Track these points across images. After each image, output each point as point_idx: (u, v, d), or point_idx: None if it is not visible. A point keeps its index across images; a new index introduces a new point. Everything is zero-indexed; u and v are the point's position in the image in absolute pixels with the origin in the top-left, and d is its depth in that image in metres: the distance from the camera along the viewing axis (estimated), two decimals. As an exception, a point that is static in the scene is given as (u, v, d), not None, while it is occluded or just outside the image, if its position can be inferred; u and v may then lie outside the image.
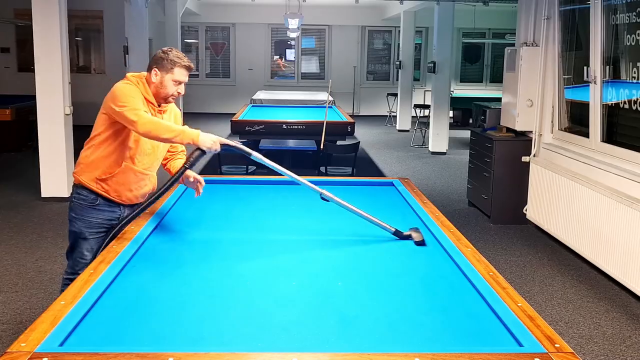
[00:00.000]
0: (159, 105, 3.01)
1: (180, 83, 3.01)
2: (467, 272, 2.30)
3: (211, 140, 2.77)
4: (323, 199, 2.90)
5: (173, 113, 3.19)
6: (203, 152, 2.77)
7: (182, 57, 3.01)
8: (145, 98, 2.94)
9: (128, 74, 3.02)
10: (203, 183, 3.11)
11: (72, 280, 2.59)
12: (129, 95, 2.86)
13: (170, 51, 3.00)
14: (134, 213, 2.83)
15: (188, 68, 3.02)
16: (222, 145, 2.81)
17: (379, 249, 2.69)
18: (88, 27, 13.43)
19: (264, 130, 7.20)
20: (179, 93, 3.04)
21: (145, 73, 3.04)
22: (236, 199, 3.53)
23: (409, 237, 2.78)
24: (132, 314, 1.96)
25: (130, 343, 1.73)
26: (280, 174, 2.90)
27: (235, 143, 2.90)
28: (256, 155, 2.89)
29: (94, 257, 3.00)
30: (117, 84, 2.95)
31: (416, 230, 2.82)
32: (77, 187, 3.06)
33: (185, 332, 1.83)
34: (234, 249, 2.65)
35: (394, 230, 2.81)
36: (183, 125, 3.05)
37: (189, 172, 3.03)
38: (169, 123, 2.91)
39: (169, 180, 2.86)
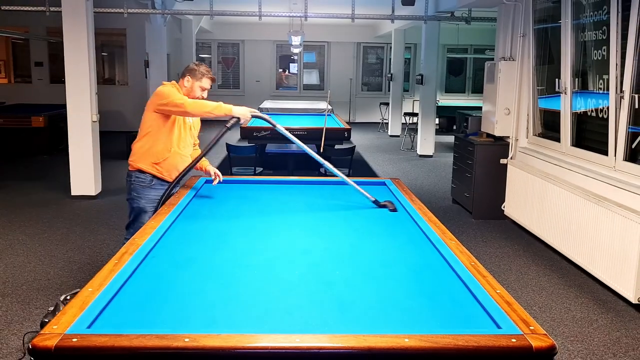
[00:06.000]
0: None
1: (205, 90, 3.51)
2: (452, 262, 2.30)
3: (244, 110, 3.27)
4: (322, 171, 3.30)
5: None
6: (238, 120, 3.25)
7: (209, 71, 3.53)
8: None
9: (164, 82, 3.50)
10: (221, 177, 3.60)
11: None
12: (170, 91, 3.35)
13: (201, 65, 3.51)
14: (181, 174, 3.39)
15: (213, 79, 3.54)
16: (253, 115, 3.29)
17: (373, 241, 2.69)
18: (113, 43, 13.44)
19: (270, 136, 7.19)
20: (202, 97, 3.50)
21: (175, 82, 3.52)
22: (245, 197, 3.53)
23: (384, 206, 3.19)
24: (152, 299, 1.96)
25: (150, 325, 1.73)
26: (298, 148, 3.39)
27: (264, 115, 3.36)
28: (280, 128, 3.38)
29: None
30: (158, 88, 3.44)
31: (390, 202, 3.22)
32: (135, 172, 3.49)
33: (199, 316, 1.83)
34: (243, 241, 2.65)
35: (373, 199, 3.23)
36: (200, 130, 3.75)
37: (209, 167, 3.64)
38: (206, 102, 3.34)
39: (209, 145, 3.28)
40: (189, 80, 3.45)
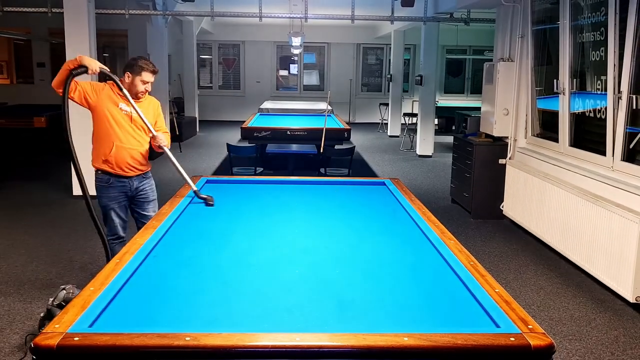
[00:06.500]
0: (135, 98, 3.44)
1: (147, 83, 3.44)
2: (450, 261, 2.31)
3: (94, 62, 3.25)
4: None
5: (152, 104, 3.59)
6: (86, 69, 3.22)
7: (148, 63, 3.43)
8: (119, 93, 3.41)
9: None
10: (161, 140, 3.47)
11: (113, 240, 3.57)
12: None
13: (139, 59, 3.44)
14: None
15: (153, 72, 3.44)
16: (101, 69, 3.30)
17: (373, 241, 2.69)
18: (114, 44, 13.43)
19: (270, 136, 7.20)
20: (146, 90, 3.46)
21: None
22: (245, 197, 3.53)
23: (203, 199, 3.24)
24: (153, 298, 1.96)
25: (151, 324, 1.73)
26: None
27: (113, 76, 3.37)
28: (125, 93, 3.37)
29: (122, 220, 3.64)
30: None
31: (210, 197, 3.26)
32: (96, 172, 3.56)
33: (201, 315, 1.83)
34: (244, 240, 2.65)
35: (195, 189, 3.32)
36: (167, 129, 3.69)
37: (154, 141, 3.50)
38: (61, 70, 3.27)
39: (66, 81, 3.23)
40: (129, 76, 3.42)
